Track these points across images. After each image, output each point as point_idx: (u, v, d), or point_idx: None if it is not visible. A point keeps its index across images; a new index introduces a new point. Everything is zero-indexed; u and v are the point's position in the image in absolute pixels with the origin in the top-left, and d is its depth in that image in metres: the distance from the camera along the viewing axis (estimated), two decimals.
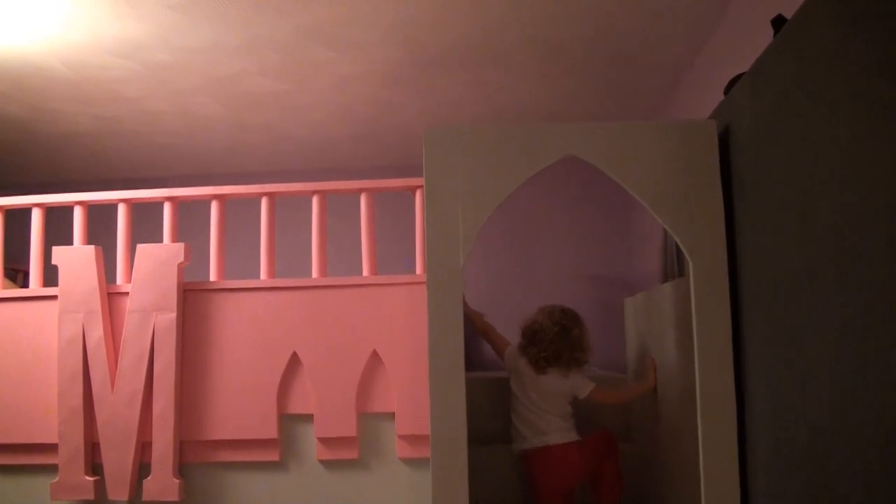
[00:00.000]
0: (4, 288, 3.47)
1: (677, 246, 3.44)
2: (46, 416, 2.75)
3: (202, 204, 3.01)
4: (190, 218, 3.64)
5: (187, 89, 3.71)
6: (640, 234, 4.81)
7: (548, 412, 2.79)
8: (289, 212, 3.76)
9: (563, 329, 2.87)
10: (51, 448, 2.73)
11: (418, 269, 2.82)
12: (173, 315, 2.72)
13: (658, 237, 4.03)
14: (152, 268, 2.75)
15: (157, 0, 2.77)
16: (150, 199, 2.94)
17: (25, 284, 4.19)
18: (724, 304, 2.33)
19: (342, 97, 3.86)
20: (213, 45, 3.19)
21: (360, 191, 2.87)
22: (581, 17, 3.03)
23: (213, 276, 2.85)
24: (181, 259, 2.74)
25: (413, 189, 2.88)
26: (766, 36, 2.89)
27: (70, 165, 4.94)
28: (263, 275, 2.84)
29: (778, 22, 2.18)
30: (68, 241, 2.88)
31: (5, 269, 3.69)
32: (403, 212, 4.49)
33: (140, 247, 2.77)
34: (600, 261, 5.10)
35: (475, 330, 3.02)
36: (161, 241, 2.85)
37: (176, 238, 2.90)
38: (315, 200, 2.86)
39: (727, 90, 2.50)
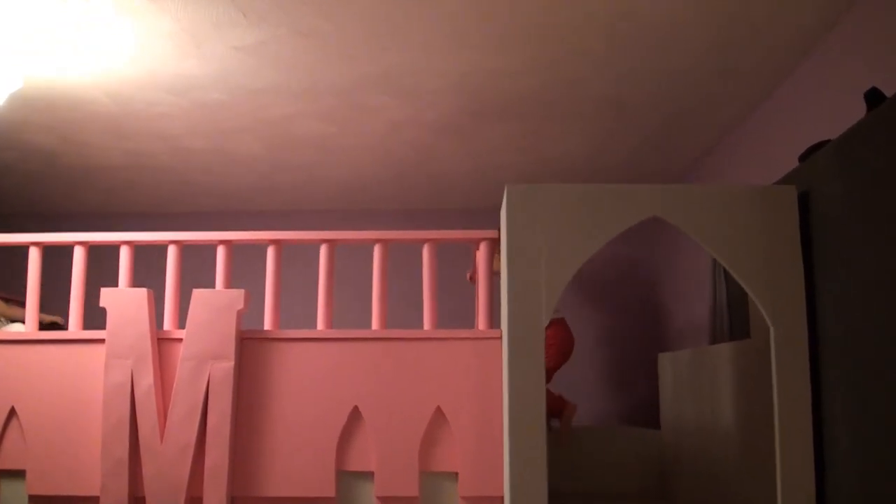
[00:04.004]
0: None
1: (728, 306, 3.44)
2: (89, 468, 2.61)
3: (250, 247, 2.92)
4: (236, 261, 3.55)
5: (232, 128, 3.65)
6: (673, 291, 4.79)
7: None
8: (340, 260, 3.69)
9: None
10: (93, 501, 2.59)
11: (481, 325, 2.75)
12: (230, 364, 2.61)
13: (701, 297, 4.01)
14: (209, 314, 2.65)
15: (226, 42, 2.72)
16: (203, 241, 2.85)
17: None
18: (804, 371, 2.29)
19: (386, 141, 3.81)
20: (271, 88, 3.14)
21: (424, 241, 2.80)
22: (648, 76, 3.03)
23: (267, 325, 2.75)
24: (240, 306, 2.64)
25: (477, 242, 2.83)
26: (814, 107, 2.91)
27: (88, 198, 4.83)
28: (320, 324, 2.75)
29: (872, 96, 2.19)
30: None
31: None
32: (444, 265, 4.44)
33: (196, 292, 2.67)
34: (627, 316, 5.07)
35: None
36: (203, 284, 2.76)
37: (229, 283, 2.81)
38: (377, 250, 2.79)
39: (803, 157, 2.50)
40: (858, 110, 2.35)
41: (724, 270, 3.37)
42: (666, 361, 3.62)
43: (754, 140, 3.56)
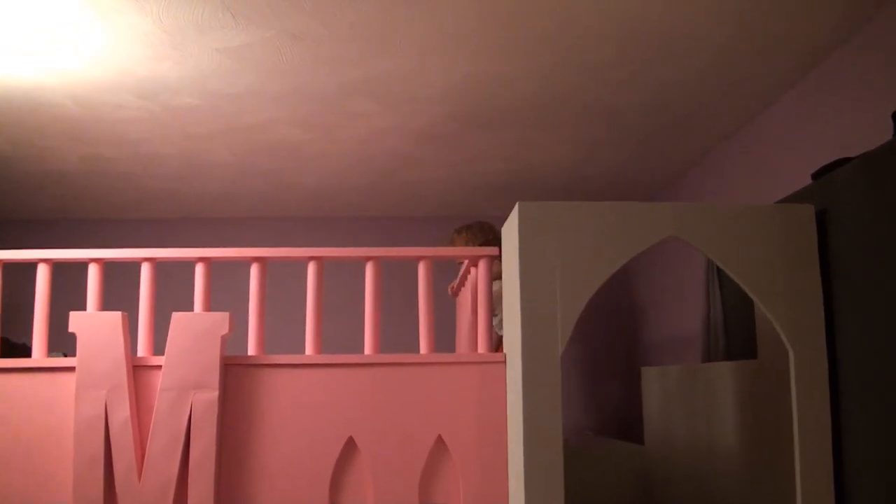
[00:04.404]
0: None
1: (724, 324, 3.36)
2: None
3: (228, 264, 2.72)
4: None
5: (201, 134, 3.42)
6: (655, 302, 4.71)
7: None
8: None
9: None
10: None
11: (480, 347, 2.61)
12: (214, 394, 2.41)
13: (688, 311, 3.94)
14: (190, 340, 2.44)
15: (207, 43, 2.52)
16: (180, 258, 2.64)
17: None
18: (824, 396, 2.22)
19: (366, 148, 3.64)
20: (249, 92, 2.93)
21: (420, 258, 2.64)
22: (646, 85, 2.93)
23: (251, 349, 2.56)
24: (224, 330, 2.44)
25: (475, 260, 2.68)
26: (810, 124, 2.85)
27: (42, 204, 4.52)
28: (309, 349, 2.56)
29: None
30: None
31: None
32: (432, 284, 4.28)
33: (177, 316, 2.46)
34: (604, 325, 4.99)
35: None
36: (173, 305, 2.55)
37: (208, 304, 2.60)
38: (369, 268, 2.62)
39: (818, 175, 2.43)
40: (861, 128, 2.29)
41: (720, 286, 3.30)
42: (652, 375, 3.53)
43: (744, 153, 3.51)
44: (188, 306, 2.62)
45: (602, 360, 4.96)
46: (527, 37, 2.53)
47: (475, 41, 2.55)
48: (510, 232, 2.38)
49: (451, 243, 3.87)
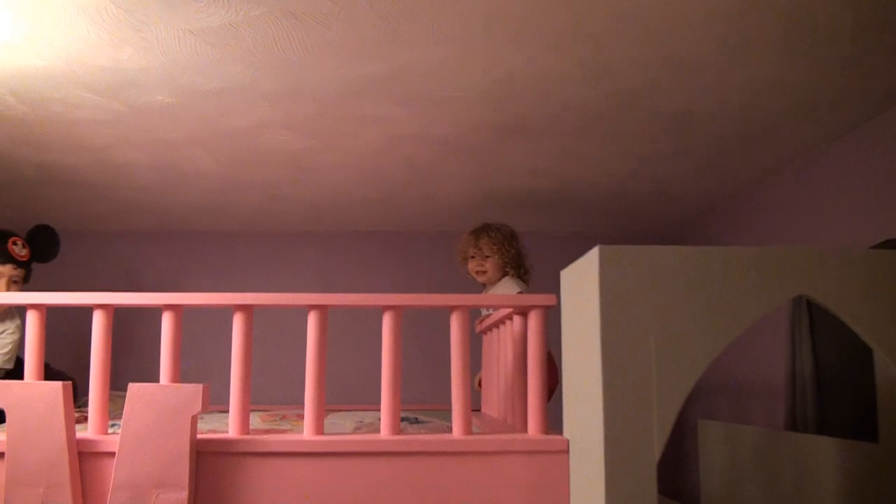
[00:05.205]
0: None
1: (815, 382, 2.77)
2: None
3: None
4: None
5: (177, 140, 2.81)
6: None
7: None
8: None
9: None
10: None
11: (533, 428, 2.00)
12: (183, 495, 1.80)
13: (758, 360, 3.35)
14: (153, 419, 1.83)
15: (175, 24, 1.90)
16: (143, 304, 2.04)
17: None
18: None
19: (378, 159, 3.03)
20: (237, 88, 2.32)
21: (453, 308, 2.04)
22: (725, 88, 2.33)
23: (233, 428, 1.95)
24: (197, 408, 1.83)
25: (525, 311, 2.08)
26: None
27: (3, 214, 3.90)
28: (308, 430, 1.96)
29: None
30: None
31: None
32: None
33: (134, 388, 1.85)
34: None
35: None
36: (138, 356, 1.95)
37: (177, 366, 2.00)
38: (387, 320, 2.01)
39: None
40: None
41: (811, 333, 2.71)
42: (713, 431, 2.96)
43: (820, 176, 2.93)
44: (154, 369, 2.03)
45: None
46: (591, 27, 1.93)
47: (528, 30, 1.95)
48: (579, 280, 1.79)
49: (463, 250, 3.32)
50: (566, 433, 1.91)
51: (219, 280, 4.26)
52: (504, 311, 2.36)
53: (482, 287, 3.39)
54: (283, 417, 3.16)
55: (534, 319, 2.04)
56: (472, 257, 3.28)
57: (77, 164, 3.09)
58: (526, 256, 3.30)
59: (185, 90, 2.34)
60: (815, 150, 2.92)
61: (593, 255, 1.64)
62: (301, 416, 3.22)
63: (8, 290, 2.82)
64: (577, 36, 1.98)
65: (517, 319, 2.17)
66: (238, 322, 2.01)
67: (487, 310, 3.30)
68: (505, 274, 3.28)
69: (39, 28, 1.93)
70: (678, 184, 3.43)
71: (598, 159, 3.07)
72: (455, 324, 2.03)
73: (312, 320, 2.01)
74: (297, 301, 2.04)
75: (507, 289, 3.25)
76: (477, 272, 3.29)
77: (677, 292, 1.64)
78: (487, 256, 3.25)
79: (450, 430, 2.01)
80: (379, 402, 2.03)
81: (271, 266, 4.37)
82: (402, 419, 2.49)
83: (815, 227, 3.00)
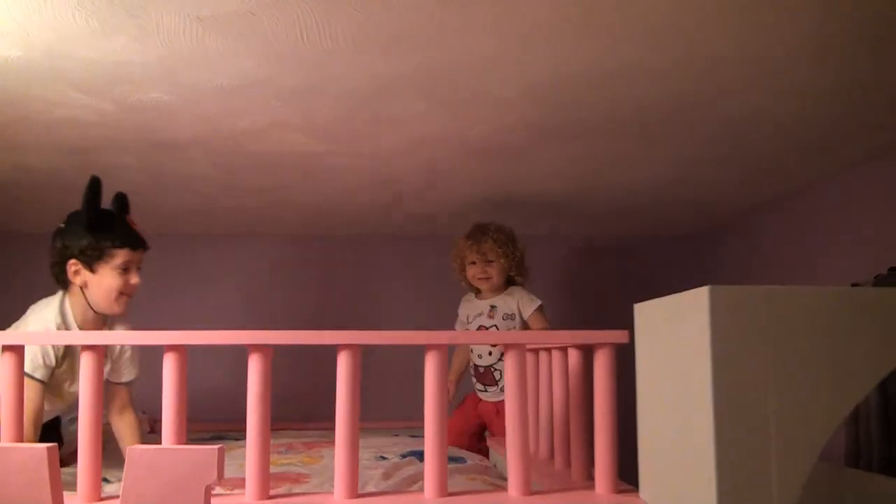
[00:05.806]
0: None
1: (882, 412, 2.52)
2: None
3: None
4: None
5: (174, 143, 2.48)
6: None
7: None
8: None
9: None
10: None
11: (600, 486, 1.71)
12: None
13: None
14: (158, 490, 1.51)
15: (176, 8, 1.58)
16: (139, 342, 1.72)
17: None
18: None
19: (399, 162, 2.71)
20: (248, 85, 2.00)
21: (509, 346, 1.74)
22: (804, 89, 2.05)
23: (250, 491, 1.65)
24: (213, 476, 1.51)
25: (594, 348, 1.79)
26: None
27: None
28: (339, 493, 1.66)
29: None
30: None
31: None
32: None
33: (133, 451, 1.53)
34: None
35: None
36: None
37: (184, 423, 1.68)
38: (431, 358, 1.71)
39: None
40: None
41: (883, 393, 2.45)
42: None
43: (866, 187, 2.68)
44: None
45: None
46: (659, 19, 1.63)
47: (587, 22, 1.64)
48: (671, 321, 1.49)
49: (461, 256, 3.11)
50: (644, 494, 1.63)
51: (209, 286, 3.99)
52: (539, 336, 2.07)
53: (475, 291, 3.14)
54: (289, 448, 2.85)
55: (603, 357, 1.74)
56: (474, 263, 3.03)
57: (59, 168, 2.76)
58: (525, 257, 3.14)
59: (185, 87, 2.02)
60: (875, 159, 2.66)
61: (701, 296, 1.35)
62: (308, 445, 2.93)
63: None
64: (667, 27, 1.68)
65: (574, 353, 1.88)
66: (255, 365, 1.70)
67: (482, 312, 3.07)
68: (510, 280, 3.07)
69: (15, 13, 1.60)
70: (706, 193, 3.18)
71: (643, 165, 2.79)
72: (511, 364, 1.73)
73: (343, 360, 1.70)
74: (324, 339, 1.72)
75: (523, 301, 3.00)
76: (480, 279, 3.04)
77: (800, 342, 1.36)
78: (491, 261, 3.00)
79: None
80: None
81: (270, 269, 4.08)
82: (411, 453, 2.35)
83: (847, 242, 2.79)
